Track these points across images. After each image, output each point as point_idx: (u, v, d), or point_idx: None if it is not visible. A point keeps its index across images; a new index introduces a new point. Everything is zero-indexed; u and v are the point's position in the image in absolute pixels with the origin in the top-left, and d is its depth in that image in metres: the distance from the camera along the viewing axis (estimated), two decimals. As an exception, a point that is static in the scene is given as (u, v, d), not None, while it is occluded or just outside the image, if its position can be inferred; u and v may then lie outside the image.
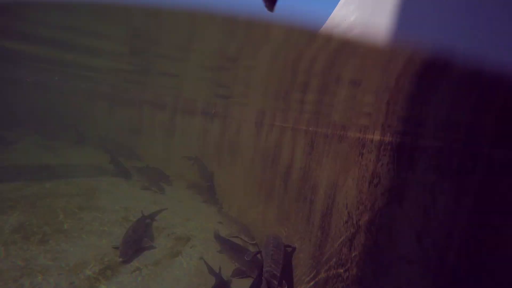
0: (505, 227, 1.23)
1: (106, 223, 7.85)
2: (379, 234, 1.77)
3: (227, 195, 10.75)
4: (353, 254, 2.29)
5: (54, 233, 6.77)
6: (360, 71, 2.24)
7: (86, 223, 7.60)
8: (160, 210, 8.97)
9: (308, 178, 5.16)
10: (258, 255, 6.43)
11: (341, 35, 1.71)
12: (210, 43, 2.56)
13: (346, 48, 1.85)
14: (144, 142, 16.30)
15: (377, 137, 2.37)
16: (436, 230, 1.12)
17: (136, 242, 6.39)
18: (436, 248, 1.09)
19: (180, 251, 6.99)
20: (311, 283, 3.73)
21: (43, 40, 3.87)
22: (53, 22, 2.79)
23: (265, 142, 8.41)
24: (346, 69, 3.51)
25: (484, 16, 1.13)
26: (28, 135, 18.98)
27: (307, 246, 4.40)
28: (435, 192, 1.21)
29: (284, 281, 4.34)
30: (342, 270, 2.52)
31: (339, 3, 3.57)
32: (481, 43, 1.12)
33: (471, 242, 1.18)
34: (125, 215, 8.50)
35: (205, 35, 2.29)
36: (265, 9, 1.14)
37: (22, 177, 10.40)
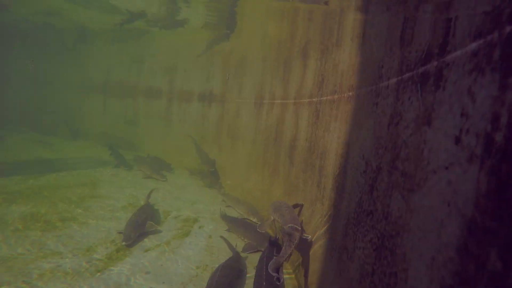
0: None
1: (113, 209, 7.85)
2: (406, 163, 1.79)
3: (230, 178, 10.78)
4: (376, 195, 2.32)
5: (62, 220, 6.77)
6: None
7: (93, 210, 7.61)
8: (151, 191, 8.82)
9: (315, 147, 5.18)
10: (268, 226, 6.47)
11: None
12: None
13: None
14: (142, 132, 16.21)
15: (393, 80, 2.38)
16: (477, 123, 1.13)
17: (140, 226, 6.31)
18: (479, 143, 1.10)
19: (189, 231, 7.02)
20: (330, 240, 3.79)
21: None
22: None
23: (266, 121, 8.41)
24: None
25: None
26: (23, 132, 18.81)
27: (320, 209, 4.44)
28: (473, 95, 1.22)
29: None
30: (364, 216, 2.55)
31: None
32: None
33: None
34: (131, 201, 8.51)
35: None
36: None
37: (21, 171, 10.34)
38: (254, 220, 7.49)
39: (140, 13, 12.81)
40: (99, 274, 4.95)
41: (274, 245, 5.96)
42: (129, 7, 12.57)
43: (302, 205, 5.49)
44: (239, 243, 6.56)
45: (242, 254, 6.12)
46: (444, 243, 1.27)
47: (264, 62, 8.89)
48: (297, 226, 4.59)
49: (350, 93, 3.73)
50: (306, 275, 4.67)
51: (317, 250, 4.34)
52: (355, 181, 3.03)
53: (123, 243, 5.77)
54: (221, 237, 6.78)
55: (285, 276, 5.51)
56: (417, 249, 1.52)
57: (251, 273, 5.46)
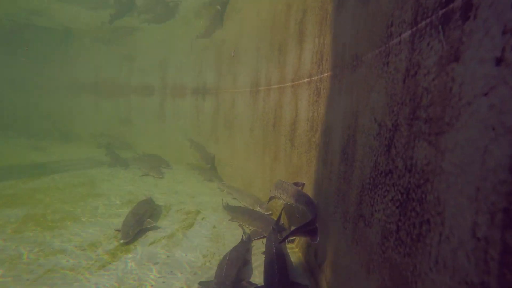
0: None
1: (113, 206, 7.72)
2: (431, 109, 1.71)
3: (229, 169, 10.68)
4: (394, 152, 2.25)
5: (63, 219, 6.62)
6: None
7: (93, 208, 7.46)
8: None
9: (318, 125, 5.10)
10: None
11: None
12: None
13: None
14: (136, 131, 15.98)
15: (406, 34, 2.30)
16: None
17: (138, 223, 6.12)
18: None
19: (192, 223, 6.91)
20: (343, 213, 3.73)
21: None
22: None
23: (264, 107, 8.31)
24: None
25: None
26: (12, 137, 18.41)
27: (327, 186, 4.38)
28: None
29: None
30: (382, 177, 2.48)
31: None
32: None
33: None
34: (131, 198, 8.37)
35: None
36: None
37: (15, 175, 10.11)
38: (261, 210, 7.37)
39: (128, 4, 12.40)
40: (105, 267, 4.83)
41: (279, 229, 5.91)
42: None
43: (303, 184, 5.46)
44: (245, 231, 6.49)
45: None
46: (491, 169, 1.19)
47: (258, 48, 8.78)
48: (303, 198, 4.63)
49: (355, 63, 3.65)
50: (317, 253, 4.61)
51: (328, 229, 4.28)
52: (367, 147, 2.96)
53: (121, 241, 5.59)
54: (239, 225, 6.70)
55: (294, 256, 5.46)
56: (455, 187, 1.45)
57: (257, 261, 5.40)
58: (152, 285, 4.42)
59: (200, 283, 4.39)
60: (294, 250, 5.76)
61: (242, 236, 5.73)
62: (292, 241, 6.00)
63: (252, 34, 9.28)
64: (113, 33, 16.41)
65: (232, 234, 6.36)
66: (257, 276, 4.81)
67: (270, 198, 6.17)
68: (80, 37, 17.87)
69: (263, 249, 5.39)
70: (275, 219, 6.07)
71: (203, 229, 6.59)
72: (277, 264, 4.39)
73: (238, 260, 4.75)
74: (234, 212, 7.27)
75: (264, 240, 5.81)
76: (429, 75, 1.87)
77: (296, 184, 5.59)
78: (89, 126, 17.88)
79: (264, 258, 4.86)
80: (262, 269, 4.83)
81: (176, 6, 13.34)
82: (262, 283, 4.35)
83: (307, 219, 4.22)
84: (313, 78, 5.49)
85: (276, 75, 7.58)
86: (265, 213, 7.01)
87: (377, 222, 2.53)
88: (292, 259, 5.42)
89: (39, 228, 6.12)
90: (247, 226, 6.71)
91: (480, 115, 1.31)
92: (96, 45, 17.60)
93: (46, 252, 5.20)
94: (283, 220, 6.51)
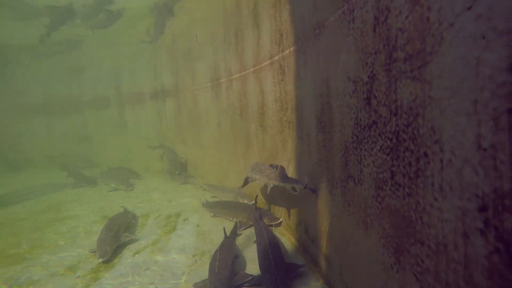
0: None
1: (86, 225, 7.25)
2: (409, 45, 1.72)
3: (201, 168, 10.46)
4: (375, 102, 2.26)
5: (32, 249, 6.07)
6: None
7: (64, 231, 6.94)
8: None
9: (288, 103, 5.09)
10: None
11: None
12: None
13: None
14: (97, 146, 15.15)
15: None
16: None
17: (114, 238, 5.64)
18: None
19: (175, 226, 6.67)
20: (328, 182, 3.74)
21: None
22: None
23: (228, 99, 8.20)
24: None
25: None
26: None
27: (308, 160, 4.38)
28: None
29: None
30: (366, 130, 2.50)
31: None
32: None
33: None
34: (103, 215, 7.90)
35: None
36: None
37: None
38: (245, 201, 7.25)
39: (64, 13, 11.44)
40: (91, 286, 4.50)
41: (261, 214, 5.88)
42: (51, 1, 11.19)
43: (277, 166, 5.34)
44: (227, 224, 6.34)
45: (238, 233, 5.94)
46: (487, 76, 1.20)
47: (213, 40, 8.62)
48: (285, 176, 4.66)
49: (317, 31, 3.65)
50: (307, 229, 4.62)
51: (315, 200, 4.29)
52: (344, 107, 2.97)
53: (100, 260, 5.06)
54: (234, 222, 6.44)
55: (283, 239, 5.45)
56: (449, 109, 1.46)
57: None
58: (155, 284, 4.19)
59: (195, 285, 4.16)
60: (283, 233, 5.75)
61: (224, 232, 5.55)
62: (279, 224, 5.98)
63: (205, 27, 9.10)
64: (57, 46, 15.33)
65: (217, 230, 6.20)
66: (253, 266, 4.70)
67: (246, 180, 6.09)
68: (18, 54, 16.48)
69: (253, 237, 5.32)
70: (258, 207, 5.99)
71: (187, 230, 6.39)
72: (270, 249, 4.34)
73: (229, 254, 4.60)
74: (215, 207, 7.13)
75: (253, 229, 5.75)
76: (401, 15, 1.88)
77: (271, 166, 5.55)
78: (42, 150, 16.63)
79: (256, 247, 4.77)
80: (256, 259, 4.73)
81: (119, 13, 12.73)
82: (259, 272, 4.27)
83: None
84: (275, 58, 5.47)
85: (236, 64, 7.49)
86: (249, 203, 6.88)
87: (368, 176, 2.54)
88: (282, 241, 5.40)
89: (5, 262, 5.56)
90: (231, 219, 6.60)
91: (466, 31, 1.31)
92: (38, 61, 16.34)
93: (21, 286, 4.74)
94: (261, 203, 6.49)
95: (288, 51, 4.89)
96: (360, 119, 2.62)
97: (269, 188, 5.20)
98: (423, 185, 1.73)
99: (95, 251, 5.37)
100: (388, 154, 2.18)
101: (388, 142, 2.16)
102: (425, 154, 1.70)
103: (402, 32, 1.87)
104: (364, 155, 2.61)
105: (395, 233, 2.12)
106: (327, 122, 3.54)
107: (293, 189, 4.72)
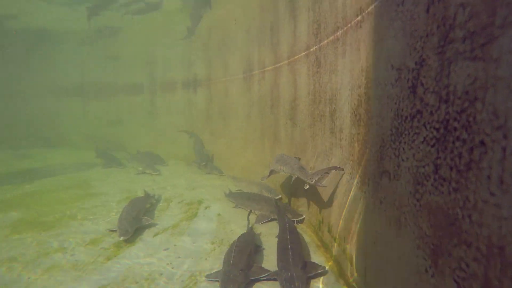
0: None
1: (110, 203, 7.43)
2: (472, 22, 1.52)
3: (226, 159, 10.44)
4: (422, 91, 2.06)
5: (59, 220, 6.32)
6: None
7: (90, 207, 7.17)
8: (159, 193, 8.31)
9: (321, 96, 4.91)
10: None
11: None
12: None
13: None
14: (127, 130, 15.60)
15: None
16: None
17: (135, 220, 5.66)
18: None
19: (196, 213, 6.67)
20: (360, 177, 3.55)
21: None
22: None
23: (259, 91, 8.10)
24: None
25: None
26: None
27: (339, 154, 4.19)
28: None
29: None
30: (409, 121, 2.30)
31: None
32: None
33: None
34: (128, 196, 8.06)
35: None
36: None
37: (6, 181, 9.71)
38: (270, 195, 7.07)
39: None
40: (111, 260, 4.58)
41: (285, 209, 5.72)
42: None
43: (299, 158, 5.32)
44: (251, 217, 6.25)
45: (256, 226, 5.84)
46: None
47: (248, 31, 8.55)
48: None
49: (359, 18, 3.46)
50: (330, 228, 4.43)
51: (341, 198, 4.10)
52: (385, 98, 2.77)
53: (121, 238, 5.08)
54: (247, 217, 6.28)
55: (305, 236, 5.27)
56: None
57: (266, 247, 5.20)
58: (161, 273, 4.19)
59: (208, 276, 4.02)
60: (305, 230, 5.58)
61: (247, 224, 5.45)
62: (302, 221, 5.81)
63: (241, 20, 9.04)
64: (97, 34, 15.93)
65: (238, 221, 6.13)
66: (270, 261, 4.57)
67: (270, 172, 5.96)
68: (62, 40, 17.31)
69: (272, 232, 5.20)
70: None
71: (208, 218, 6.36)
72: (290, 245, 4.18)
73: (247, 247, 4.43)
74: (238, 198, 7.04)
75: (272, 222, 5.62)
76: (463, -10, 1.68)
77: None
78: (77, 130, 17.38)
79: (277, 241, 4.62)
80: (274, 254, 4.59)
81: (159, 2, 12.96)
82: (276, 268, 4.12)
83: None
84: (311, 49, 5.29)
85: (270, 56, 7.36)
86: (274, 197, 6.69)
87: (406, 171, 2.34)
88: (304, 239, 5.23)
89: (35, 229, 5.82)
90: (253, 211, 6.49)
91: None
92: (79, 47, 17.09)
93: (46, 251, 4.92)
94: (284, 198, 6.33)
95: (325, 41, 4.71)
96: (402, 110, 2.42)
97: (293, 179, 5.11)
98: (476, 178, 1.54)
99: (115, 230, 5.43)
100: (433, 146, 1.98)
101: (434, 132, 1.96)
102: (482, 143, 1.50)
103: (464, 7, 1.67)
104: (403, 148, 2.41)
105: (434, 233, 1.92)
106: (363, 114, 3.35)
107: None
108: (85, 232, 5.70)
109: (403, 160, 2.41)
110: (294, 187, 5.82)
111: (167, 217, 6.45)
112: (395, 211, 2.52)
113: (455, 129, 1.73)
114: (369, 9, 3.19)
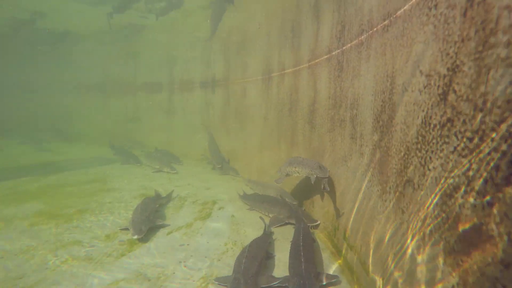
0: None
1: (126, 199, 7.52)
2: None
3: (241, 160, 10.41)
4: (454, 98, 1.97)
5: (77, 213, 6.45)
6: None
7: (106, 202, 7.28)
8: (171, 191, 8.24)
9: (341, 100, 4.82)
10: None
11: None
12: None
13: None
14: (145, 128, 15.82)
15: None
16: None
17: (148, 219, 5.65)
18: None
19: (210, 213, 6.67)
20: (380, 185, 3.45)
21: None
22: None
23: (278, 94, 8.04)
24: None
25: None
26: (18, 139, 18.42)
27: (357, 162, 4.09)
28: None
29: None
30: (437, 130, 2.20)
31: None
32: None
33: None
34: (144, 192, 8.16)
35: None
36: None
37: (26, 174, 10.00)
38: (288, 200, 6.96)
39: None
40: (125, 256, 4.61)
41: (303, 217, 5.61)
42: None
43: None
44: (265, 220, 6.20)
45: (269, 229, 5.76)
46: None
47: (268, 33, 8.51)
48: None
49: (386, 22, 3.36)
50: (346, 234, 4.33)
51: (359, 205, 4.00)
52: (411, 104, 2.67)
53: (135, 237, 5.03)
54: (260, 217, 6.22)
55: (320, 242, 5.17)
56: None
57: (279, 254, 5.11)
58: (174, 272, 4.18)
59: (217, 279, 3.95)
60: (319, 235, 5.48)
61: (265, 228, 5.36)
62: (316, 227, 5.72)
63: (261, 20, 9.02)
64: (118, 33, 16.25)
65: (252, 223, 6.09)
66: (281, 268, 4.47)
67: (282, 175, 5.88)
68: (86, 38, 17.76)
69: (285, 238, 5.12)
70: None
71: (221, 219, 6.34)
72: (303, 252, 4.09)
73: (258, 253, 4.30)
74: (253, 200, 6.99)
75: (285, 227, 5.54)
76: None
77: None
78: (96, 125, 17.79)
79: (290, 247, 4.53)
80: (286, 260, 4.49)
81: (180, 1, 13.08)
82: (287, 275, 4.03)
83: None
84: (333, 53, 5.21)
85: (290, 59, 7.31)
86: (290, 201, 6.54)
87: (433, 181, 2.25)
88: (318, 245, 5.13)
89: (53, 221, 5.96)
90: (267, 214, 6.44)
91: None
92: (102, 45, 17.49)
93: (63, 243, 5.01)
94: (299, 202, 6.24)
95: (349, 45, 4.62)
96: (430, 117, 2.33)
97: (313, 179, 5.04)
98: (515, 193, 1.44)
99: (127, 229, 5.44)
100: (464, 157, 1.89)
101: (467, 142, 1.86)
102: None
103: (510, 10, 1.58)
104: (430, 158, 2.31)
105: (464, 249, 1.82)
106: (386, 121, 3.25)
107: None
108: (101, 226, 5.78)
109: (429, 169, 2.31)
110: (308, 192, 5.73)
111: (181, 216, 6.47)
112: (418, 222, 2.42)
113: (493, 140, 1.63)
114: (397, 14, 3.09)
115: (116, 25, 14.73)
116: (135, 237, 5.07)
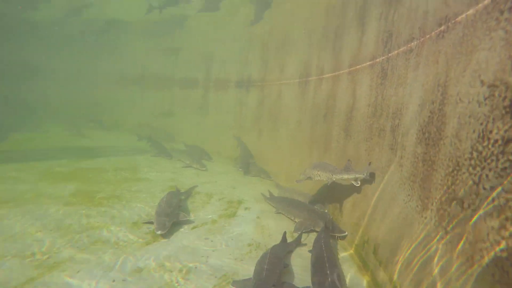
0: None
1: (155, 190, 7.68)
2: None
3: (271, 163, 10.30)
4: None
5: (108, 198, 6.69)
6: None
7: (136, 190, 7.48)
8: (193, 186, 8.31)
9: (382, 109, 4.61)
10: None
11: None
12: None
13: None
14: (178, 122, 16.17)
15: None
16: None
17: (173, 214, 5.62)
18: None
19: (235, 212, 6.63)
20: (419, 200, 3.24)
21: None
22: None
23: (314, 98, 7.89)
24: None
25: None
26: (61, 124, 19.50)
27: (397, 173, 3.88)
28: None
29: None
30: (498, 146, 2.00)
31: None
32: None
33: None
34: (172, 184, 8.29)
35: None
36: None
37: (66, 156, 10.52)
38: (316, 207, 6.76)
39: None
40: (149, 245, 4.68)
41: (331, 226, 5.41)
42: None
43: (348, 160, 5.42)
44: (291, 225, 6.05)
45: (294, 234, 5.60)
46: None
47: (310, 36, 8.38)
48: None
49: (442, 27, 3.15)
50: (376, 249, 4.11)
51: (394, 219, 3.78)
52: (466, 117, 2.47)
53: (158, 232, 4.95)
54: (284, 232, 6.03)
55: (344, 254, 4.96)
56: None
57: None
58: (196, 266, 4.16)
59: (234, 283, 3.82)
60: (345, 247, 5.26)
61: (284, 235, 5.17)
62: (344, 238, 5.50)
63: (303, 22, 8.91)
64: (159, 26, 16.75)
65: (276, 226, 5.98)
66: (298, 277, 4.29)
67: (305, 177, 5.99)
68: (129, 30, 18.50)
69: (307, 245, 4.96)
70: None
71: (246, 219, 6.28)
72: (328, 263, 3.92)
73: (279, 261, 4.13)
74: (280, 203, 6.85)
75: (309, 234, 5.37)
76: None
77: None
78: (133, 117, 18.46)
79: (311, 257, 4.36)
80: (305, 268, 4.32)
81: None
82: (305, 285, 3.87)
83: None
84: (377, 60, 5.00)
85: (329, 63, 7.14)
86: (320, 209, 6.34)
87: (489, 202, 2.04)
88: (343, 257, 4.92)
89: (85, 204, 6.22)
90: (293, 219, 6.29)
91: None
92: (143, 39, 18.14)
93: (93, 225, 5.18)
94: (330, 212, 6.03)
95: (395, 52, 4.41)
96: (491, 132, 2.12)
97: (329, 182, 5.29)
98: None
99: (151, 222, 5.42)
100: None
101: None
102: None
103: None
104: (486, 176, 2.11)
105: (522, 280, 1.62)
106: (434, 133, 3.03)
107: (356, 181, 4.97)
108: (128, 213, 5.92)
109: (484, 188, 2.11)
110: (338, 200, 5.54)
111: (207, 212, 6.48)
112: (466, 245, 2.21)
113: None
114: (457, 19, 2.89)
115: (156, 23, 15.26)
116: (159, 232, 5.01)
